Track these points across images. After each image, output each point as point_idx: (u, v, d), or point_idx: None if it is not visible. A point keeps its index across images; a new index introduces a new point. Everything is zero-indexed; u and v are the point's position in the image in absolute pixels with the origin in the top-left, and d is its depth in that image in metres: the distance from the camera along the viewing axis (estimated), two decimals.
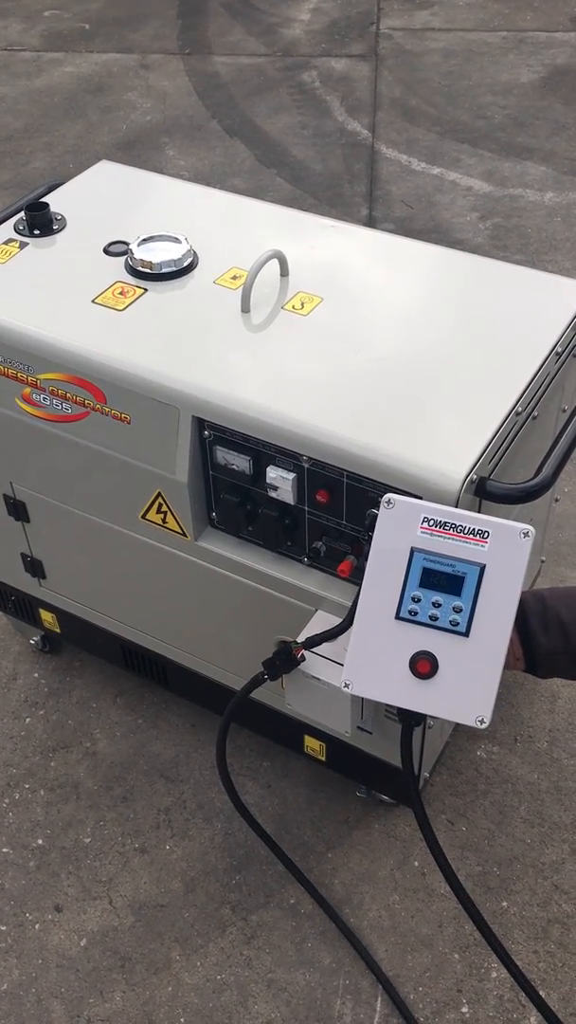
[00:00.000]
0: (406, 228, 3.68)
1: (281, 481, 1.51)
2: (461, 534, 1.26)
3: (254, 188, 3.92)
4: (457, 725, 2.05)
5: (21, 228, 1.85)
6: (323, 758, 1.91)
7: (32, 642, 2.31)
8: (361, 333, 1.61)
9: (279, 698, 1.79)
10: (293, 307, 1.66)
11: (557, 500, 2.11)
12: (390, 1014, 1.75)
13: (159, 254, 1.73)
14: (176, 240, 1.76)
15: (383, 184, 3.94)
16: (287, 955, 1.83)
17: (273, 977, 1.80)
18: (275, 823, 2.00)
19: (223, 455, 1.56)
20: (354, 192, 3.91)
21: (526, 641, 1.36)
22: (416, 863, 1.94)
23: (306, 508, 1.55)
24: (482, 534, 1.26)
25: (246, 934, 1.85)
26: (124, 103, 4.52)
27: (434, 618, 1.26)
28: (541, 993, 1.53)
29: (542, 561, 2.21)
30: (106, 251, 1.79)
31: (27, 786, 2.09)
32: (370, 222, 3.73)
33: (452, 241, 3.60)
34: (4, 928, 1.88)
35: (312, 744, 1.89)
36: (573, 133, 4.19)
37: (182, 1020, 1.75)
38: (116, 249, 1.79)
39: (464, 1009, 1.75)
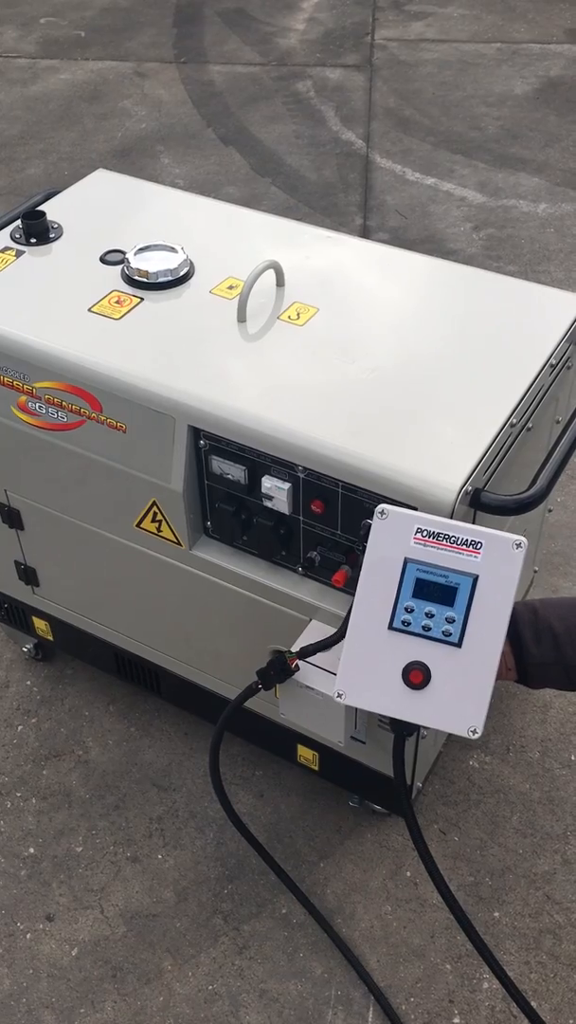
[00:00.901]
0: (400, 238, 3.69)
1: (276, 491, 1.52)
2: (454, 545, 1.27)
3: (249, 197, 3.93)
4: (450, 735, 2.06)
5: (18, 236, 1.85)
6: (316, 767, 1.91)
7: (25, 650, 2.30)
8: (357, 343, 1.62)
9: (272, 707, 1.79)
10: (289, 317, 1.67)
11: (550, 511, 2.12)
12: None
13: (155, 263, 1.73)
14: (172, 249, 1.77)
15: (377, 194, 3.96)
16: (279, 965, 1.82)
17: (265, 987, 1.79)
18: (267, 832, 2.00)
19: (218, 464, 1.56)
20: (348, 201, 3.92)
21: (518, 652, 1.37)
22: (408, 873, 1.94)
23: (301, 518, 1.55)
24: (475, 545, 1.27)
25: (238, 944, 1.85)
26: (119, 111, 4.53)
27: (427, 628, 1.26)
28: (533, 1004, 1.53)
29: (535, 571, 2.22)
30: (102, 260, 1.79)
31: (19, 794, 2.08)
32: (364, 232, 3.75)
33: (446, 251, 3.61)
34: None
35: (305, 753, 1.89)
36: (566, 144, 4.22)
37: None
38: (112, 258, 1.79)
39: (456, 1020, 1.75)
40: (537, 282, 1.81)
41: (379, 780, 1.80)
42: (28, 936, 1.87)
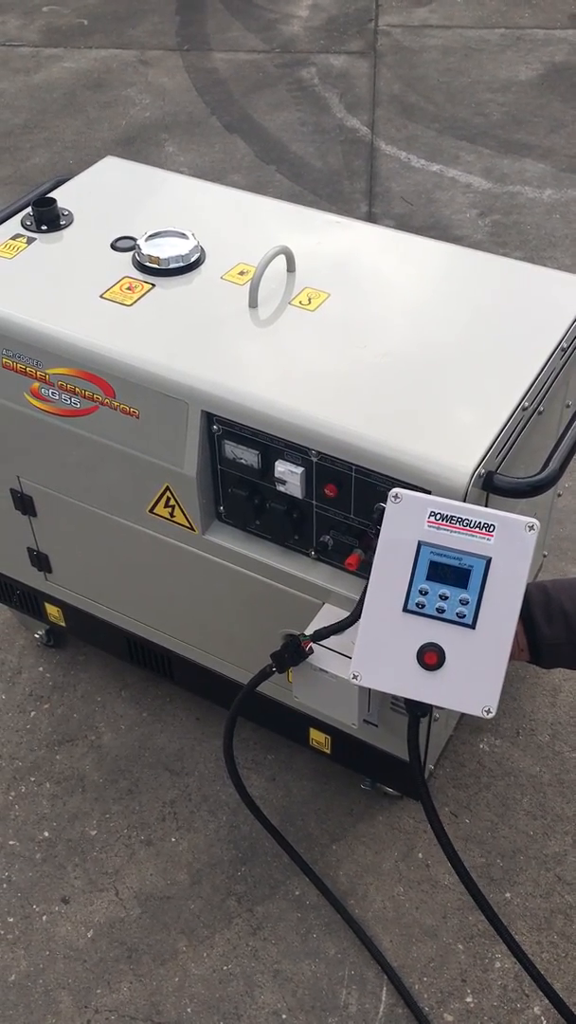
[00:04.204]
0: (406, 225, 3.69)
1: (289, 475, 1.53)
2: (467, 528, 1.28)
3: (253, 184, 3.92)
4: (460, 718, 2.07)
5: (28, 224, 1.86)
6: (328, 751, 1.92)
7: (37, 636, 2.32)
8: (368, 328, 1.63)
9: (285, 691, 1.81)
10: (300, 302, 1.67)
11: (559, 495, 2.13)
12: (395, 1004, 1.77)
13: (166, 249, 1.74)
14: (183, 236, 1.77)
15: (383, 181, 3.96)
16: (293, 946, 1.84)
17: (279, 968, 1.81)
18: (280, 815, 2.02)
19: (231, 449, 1.57)
20: (354, 189, 3.92)
21: (530, 632, 1.38)
22: (420, 855, 1.96)
23: (314, 502, 1.56)
24: (488, 528, 1.28)
25: (252, 925, 1.87)
26: (123, 99, 4.52)
27: (441, 610, 1.28)
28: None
29: (544, 556, 2.23)
30: (113, 246, 1.80)
31: (33, 779, 2.10)
32: (370, 219, 3.74)
33: (451, 238, 3.61)
34: (11, 920, 1.89)
35: (317, 737, 1.91)
36: (571, 130, 4.21)
37: (189, 1010, 1.77)
38: (123, 245, 1.80)
39: (469, 999, 1.77)
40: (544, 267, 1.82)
41: (391, 763, 1.81)
42: (44, 918, 1.89)
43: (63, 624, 2.15)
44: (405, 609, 1.29)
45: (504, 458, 1.48)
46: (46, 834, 2.01)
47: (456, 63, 4.71)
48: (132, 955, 1.84)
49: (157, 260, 1.73)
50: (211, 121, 4.36)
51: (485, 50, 4.80)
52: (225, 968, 1.82)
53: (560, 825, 1.99)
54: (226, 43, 4.95)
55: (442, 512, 1.28)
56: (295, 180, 3.97)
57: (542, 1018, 1.74)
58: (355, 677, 1.31)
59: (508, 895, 1.90)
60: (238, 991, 1.79)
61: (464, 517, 1.28)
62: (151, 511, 1.72)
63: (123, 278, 1.73)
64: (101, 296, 1.70)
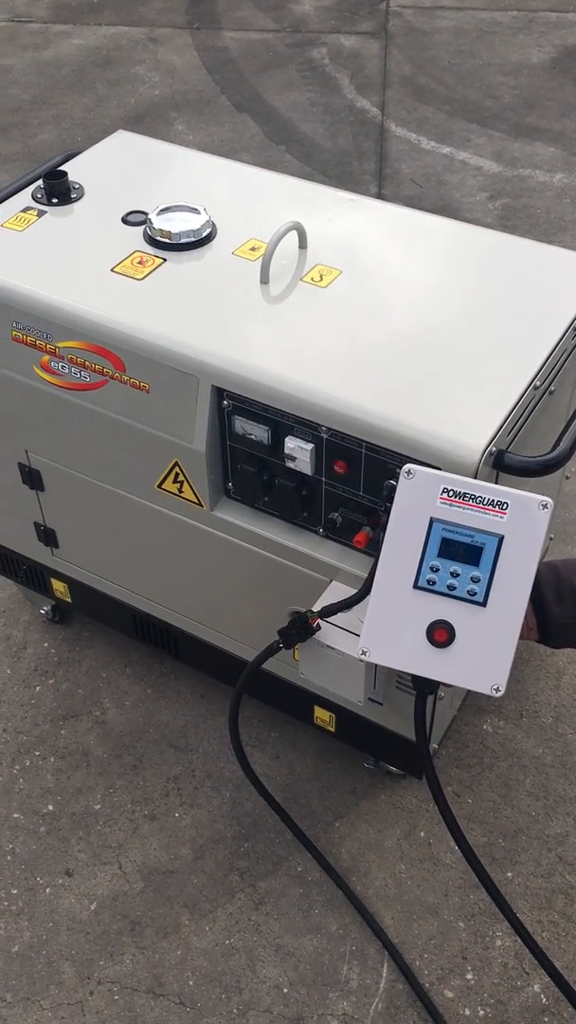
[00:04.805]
0: (415, 207, 3.62)
1: (299, 451, 1.52)
2: (480, 505, 1.28)
3: (263, 164, 3.87)
4: (465, 698, 2.08)
5: (39, 196, 1.85)
6: (332, 729, 1.93)
7: (42, 612, 2.32)
8: (380, 305, 1.62)
9: (290, 668, 1.81)
10: (312, 279, 1.67)
11: (567, 478, 2.13)
12: (396, 980, 1.78)
13: (178, 224, 1.73)
14: (195, 210, 1.76)
15: (392, 162, 3.93)
16: (295, 921, 1.85)
17: (281, 942, 1.82)
18: (283, 793, 2.03)
19: (241, 425, 1.57)
20: (363, 170, 3.90)
21: (540, 611, 1.38)
22: (422, 833, 1.96)
23: (323, 479, 1.56)
24: (501, 505, 1.27)
25: (254, 900, 1.88)
26: (132, 77, 4.50)
27: (452, 587, 1.28)
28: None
29: (550, 538, 2.23)
30: (124, 220, 1.79)
31: (37, 753, 2.11)
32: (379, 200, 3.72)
33: (461, 221, 3.58)
34: (15, 891, 1.90)
35: (322, 715, 1.91)
36: None
37: (191, 983, 1.78)
38: (134, 219, 1.79)
39: (469, 976, 1.78)
40: None
41: (395, 741, 1.82)
42: (48, 890, 1.90)
43: (69, 600, 2.15)
44: (415, 586, 1.29)
45: (515, 437, 1.48)
46: (50, 807, 2.02)
47: (468, 45, 4.68)
48: (135, 928, 1.85)
49: (168, 234, 1.72)
50: (220, 100, 4.33)
51: (497, 32, 4.77)
52: (227, 942, 1.83)
53: (562, 806, 2.00)
54: (236, 22, 4.91)
55: (455, 489, 1.28)
56: (304, 160, 3.95)
57: (542, 996, 1.75)
58: (364, 653, 1.31)
59: (509, 874, 1.91)
60: (240, 965, 1.80)
61: (477, 494, 1.28)
62: (159, 487, 1.72)
63: (134, 252, 1.72)
64: (112, 270, 1.69)
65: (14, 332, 1.70)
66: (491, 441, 1.40)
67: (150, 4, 5.07)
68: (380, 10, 4.97)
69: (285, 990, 1.77)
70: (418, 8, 4.97)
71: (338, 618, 1.51)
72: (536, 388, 1.51)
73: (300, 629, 1.51)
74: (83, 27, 4.90)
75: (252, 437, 1.57)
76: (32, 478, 1.91)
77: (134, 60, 4.63)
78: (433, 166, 3.91)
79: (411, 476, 1.29)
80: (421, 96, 4.32)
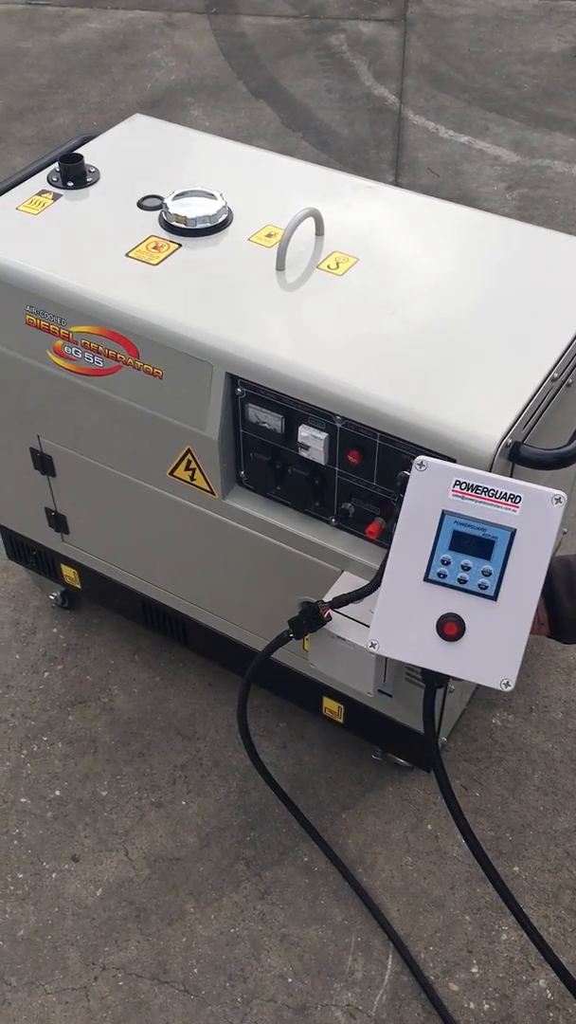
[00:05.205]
0: (432, 196, 3.64)
1: (313, 440, 1.51)
2: (493, 498, 1.27)
3: (279, 151, 3.82)
4: (475, 692, 2.07)
5: (55, 180, 1.84)
6: (341, 720, 1.92)
7: (52, 597, 2.32)
8: (396, 294, 1.61)
9: (299, 659, 1.80)
10: (328, 267, 1.65)
11: None
12: (401, 972, 1.77)
13: (194, 209, 1.72)
14: (211, 196, 1.75)
15: (409, 151, 3.90)
16: (300, 911, 1.85)
17: (286, 932, 1.82)
18: (290, 783, 2.02)
19: (255, 413, 1.56)
20: (380, 158, 3.87)
21: (551, 606, 1.37)
22: (429, 826, 1.96)
23: (336, 468, 1.55)
24: (514, 499, 1.26)
25: (260, 889, 1.88)
26: (149, 61, 4.47)
27: (463, 581, 1.26)
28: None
29: (564, 532, 2.21)
30: (140, 205, 1.78)
31: (45, 739, 2.11)
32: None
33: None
34: (21, 876, 1.91)
35: (331, 706, 1.91)
36: None
37: (195, 970, 1.78)
38: (150, 203, 1.78)
39: (474, 969, 1.78)
40: None
41: (404, 733, 1.81)
42: (54, 875, 1.91)
43: (78, 586, 2.15)
44: (426, 579, 1.28)
45: (531, 429, 1.46)
46: (57, 793, 2.02)
47: (487, 33, 4.63)
48: (140, 914, 1.85)
49: (184, 220, 1.71)
50: (237, 86, 4.30)
51: (517, 21, 4.72)
52: (232, 930, 1.83)
53: (570, 802, 1.99)
54: (254, 7, 4.87)
55: (467, 481, 1.27)
56: (321, 148, 3.92)
57: (547, 991, 1.74)
58: (373, 645, 1.30)
59: (516, 869, 1.90)
60: (245, 953, 1.80)
61: (490, 487, 1.26)
62: (171, 474, 1.71)
63: (149, 237, 1.71)
64: (127, 255, 1.68)
65: (28, 316, 1.69)
66: (507, 433, 1.38)
67: None
68: None
69: (290, 980, 1.77)
70: None
71: (349, 609, 1.51)
72: (554, 380, 1.49)
73: (311, 619, 1.51)
74: (100, 11, 4.87)
75: (265, 425, 1.56)
76: (43, 463, 1.90)
77: (151, 44, 4.60)
78: (451, 155, 3.87)
79: (424, 468, 1.28)
80: (440, 84, 4.29)
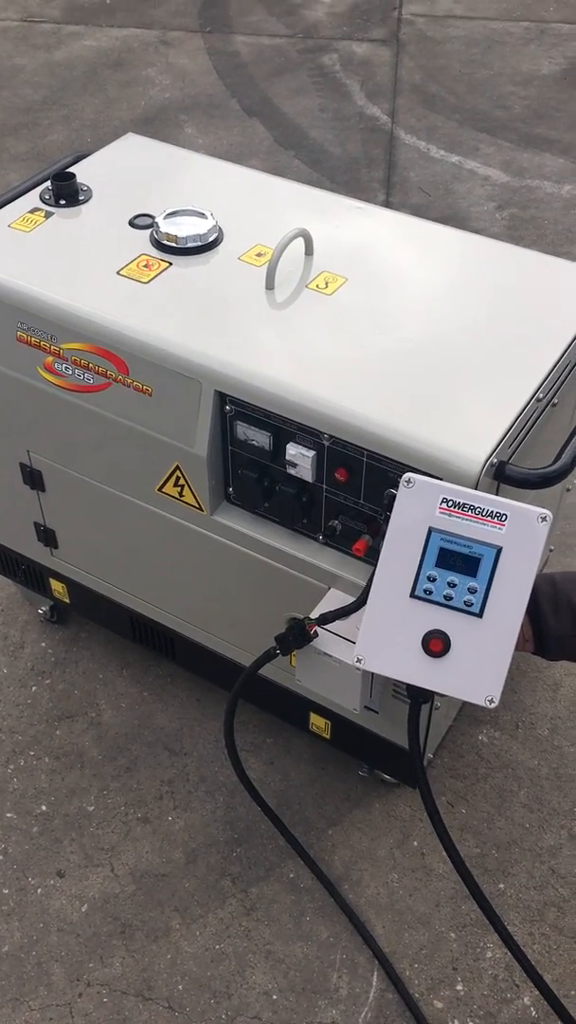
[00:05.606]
0: (423, 215, 3.66)
1: (300, 458, 1.52)
2: (479, 516, 1.28)
3: (271, 169, 3.91)
4: (461, 709, 2.07)
5: (47, 198, 1.85)
6: (328, 736, 1.93)
7: (40, 612, 2.32)
8: (384, 314, 1.62)
9: (286, 675, 1.81)
10: (317, 286, 1.67)
11: (568, 490, 2.12)
12: (386, 989, 1.77)
13: (185, 228, 1.74)
14: (202, 215, 1.77)
15: (401, 170, 3.94)
16: (285, 928, 1.85)
17: (271, 949, 1.82)
18: (277, 799, 2.02)
19: (243, 430, 1.57)
20: (372, 177, 3.90)
21: (536, 623, 1.38)
22: (415, 843, 1.96)
23: (324, 486, 1.56)
24: (500, 517, 1.27)
25: (245, 906, 1.88)
26: (143, 79, 4.51)
27: (449, 598, 1.27)
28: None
29: (550, 550, 2.23)
30: (131, 224, 1.79)
31: (32, 753, 2.11)
32: (387, 208, 3.73)
33: (468, 230, 3.51)
34: (6, 891, 1.90)
35: (318, 722, 1.91)
36: None
37: (180, 987, 1.78)
38: (141, 222, 1.79)
39: (459, 987, 1.78)
40: None
41: (390, 750, 1.81)
42: (39, 891, 1.90)
43: (67, 600, 2.15)
44: (412, 595, 1.29)
45: (516, 449, 1.48)
46: (44, 808, 2.02)
47: (479, 55, 4.69)
48: (125, 931, 1.85)
49: (175, 238, 1.73)
50: (231, 104, 4.34)
51: (508, 43, 4.78)
52: (217, 947, 1.83)
53: (556, 819, 2.00)
54: (248, 26, 4.92)
55: (454, 499, 1.28)
56: (313, 166, 3.95)
57: (531, 1008, 1.75)
58: (359, 661, 1.31)
59: (502, 886, 1.90)
60: (230, 970, 1.80)
61: (476, 505, 1.27)
62: (160, 490, 1.72)
63: (140, 255, 1.73)
64: (118, 272, 1.69)
65: (19, 333, 1.70)
66: (492, 452, 1.40)
67: (162, 7, 5.08)
68: (392, 18, 4.98)
69: (274, 997, 1.76)
70: (430, 17, 4.98)
71: (336, 626, 1.51)
72: (539, 400, 1.51)
73: (297, 636, 1.51)
74: (95, 28, 4.91)
75: (254, 443, 1.57)
76: (33, 478, 1.91)
77: (145, 62, 4.64)
78: (442, 175, 3.91)
79: (411, 485, 1.29)
80: (431, 104, 4.33)
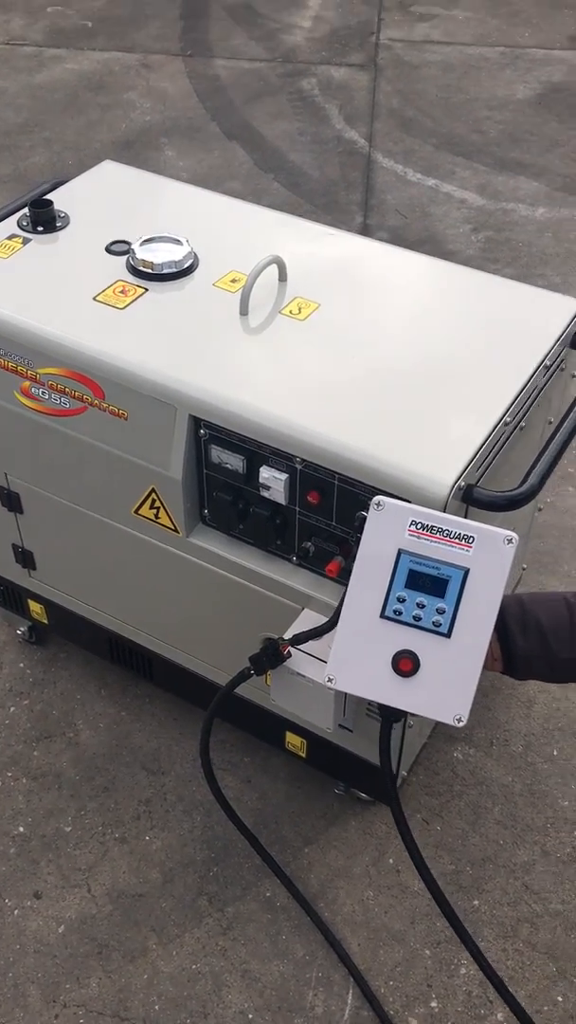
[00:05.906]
0: (400, 237, 3.73)
1: (274, 481, 1.55)
2: (447, 538, 1.31)
3: (251, 192, 3.95)
4: (435, 727, 2.10)
5: (25, 224, 1.88)
6: (304, 755, 1.94)
7: (19, 632, 2.33)
8: (356, 340, 1.66)
9: (262, 694, 1.83)
10: (290, 312, 1.70)
11: (540, 510, 2.16)
12: (360, 1007, 1.79)
13: (160, 255, 1.77)
14: (177, 242, 1.80)
15: (378, 193, 3.99)
16: (262, 947, 1.86)
17: (248, 968, 1.83)
18: (254, 817, 2.04)
19: (218, 454, 1.60)
20: (350, 200, 3.95)
21: (504, 643, 1.40)
22: (391, 860, 1.98)
23: (297, 508, 1.59)
24: (467, 539, 1.30)
25: (222, 925, 1.89)
26: (124, 102, 4.55)
27: (418, 618, 1.30)
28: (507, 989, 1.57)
29: (523, 569, 2.26)
30: (108, 250, 1.82)
31: (9, 774, 2.11)
32: (364, 230, 3.78)
33: (444, 252, 3.64)
34: None
35: (293, 740, 1.93)
36: (567, 150, 4.26)
37: (156, 1007, 1.78)
38: (118, 248, 1.82)
39: (433, 1004, 1.79)
40: (533, 285, 1.85)
41: (365, 768, 1.84)
42: (16, 912, 1.91)
43: (45, 621, 2.17)
44: (382, 616, 1.31)
45: (484, 471, 1.51)
46: (21, 829, 2.03)
47: (455, 79, 4.76)
48: (102, 951, 1.86)
49: (151, 265, 1.76)
50: (211, 127, 4.39)
51: (484, 68, 4.85)
52: (194, 967, 1.83)
53: (529, 835, 2.02)
54: (228, 51, 4.98)
55: (423, 522, 1.31)
56: (292, 189, 4.00)
57: None
58: (330, 680, 1.33)
59: (476, 902, 1.92)
60: (206, 990, 1.80)
61: (444, 528, 1.30)
62: (136, 512, 1.74)
63: (116, 281, 1.75)
64: (94, 298, 1.72)
65: None
66: (460, 476, 1.43)
67: (144, 30, 5.14)
68: (370, 43, 5.05)
69: (250, 1016, 1.77)
70: (408, 42, 5.05)
71: (309, 646, 1.53)
72: (507, 424, 1.54)
73: (271, 656, 1.53)
74: (77, 52, 4.96)
75: (228, 466, 1.60)
76: (11, 500, 1.93)
77: (126, 86, 4.68)
78: (418, 198, 3.97)
79: (380, 508, 1.32)
80: (408, 128, 4.39)
